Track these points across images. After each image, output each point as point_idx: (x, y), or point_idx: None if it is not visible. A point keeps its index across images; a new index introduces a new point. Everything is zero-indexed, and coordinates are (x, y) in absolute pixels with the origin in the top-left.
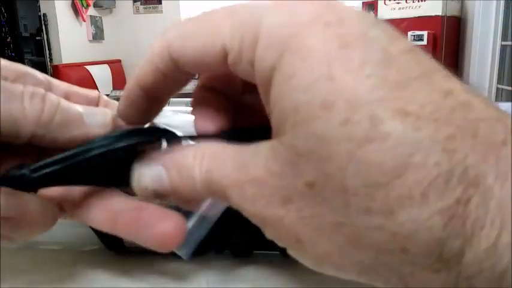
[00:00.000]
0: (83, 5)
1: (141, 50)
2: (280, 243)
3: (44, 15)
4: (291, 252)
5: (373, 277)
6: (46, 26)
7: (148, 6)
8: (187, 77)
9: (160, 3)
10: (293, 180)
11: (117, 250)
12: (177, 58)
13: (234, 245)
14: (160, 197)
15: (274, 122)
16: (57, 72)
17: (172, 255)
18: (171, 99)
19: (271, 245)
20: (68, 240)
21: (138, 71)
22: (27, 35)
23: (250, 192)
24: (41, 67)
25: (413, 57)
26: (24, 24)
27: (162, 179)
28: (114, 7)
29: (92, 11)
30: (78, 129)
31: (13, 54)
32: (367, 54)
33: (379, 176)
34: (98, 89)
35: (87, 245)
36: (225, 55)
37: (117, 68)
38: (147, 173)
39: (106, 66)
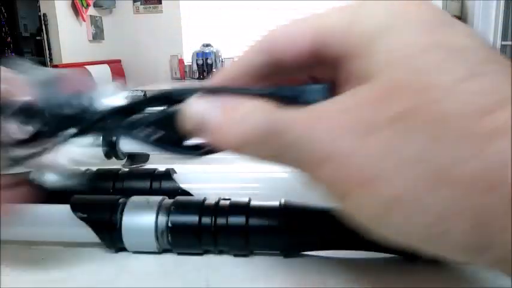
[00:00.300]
0: (83, 5)
1: (141, 50)
2: (338, 188)
3: (44, 15)
4: (350, 199)
5: (444, 227)
6: (46, 26)
7: (148, 6)
8: (275, 80)
9: (160, 3)
10: (377, 114)
11: (117, 249)
12: (273, 51)
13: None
14: (201, 130)
15: (358, 72)
16: None
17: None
18: None
19: (271, 246)
20: (68, 240)
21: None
22: (27, 35)
23: (321, 126)
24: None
25: None
26: (24, 24)
27: (212, 110)
28: (114, 7)
29: (92, 11)
30: None
31: (13, 54)
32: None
33: (479, 107)
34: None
35: (87, 245)
36: (316, 27)
37: (117, 68)
38: (200, 102)
39: (106, 66)
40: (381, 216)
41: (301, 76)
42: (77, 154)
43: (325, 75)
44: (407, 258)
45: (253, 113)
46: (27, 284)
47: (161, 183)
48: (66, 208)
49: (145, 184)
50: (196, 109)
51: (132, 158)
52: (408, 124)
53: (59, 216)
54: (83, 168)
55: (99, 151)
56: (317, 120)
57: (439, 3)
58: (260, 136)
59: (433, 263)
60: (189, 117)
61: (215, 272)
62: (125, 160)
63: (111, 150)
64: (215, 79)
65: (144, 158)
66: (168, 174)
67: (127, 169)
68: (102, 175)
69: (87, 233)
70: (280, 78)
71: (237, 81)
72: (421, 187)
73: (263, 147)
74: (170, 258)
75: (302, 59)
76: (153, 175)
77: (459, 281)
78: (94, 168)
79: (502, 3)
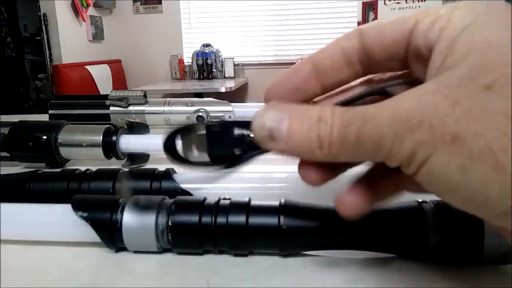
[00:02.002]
0: (83, 5)
1: (141, 50)
2: (428, 146)
3: (44, 15)
4: (439, 155)
5: None
6: (46, 26)
7: (148, 6)
8: (358, 71)
9: (160, 3)
10: (466, 88)
11: (117, 249)
12: (365, 36)
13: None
14: (272, 139)
15: (447, 64)
16: (57, 72)
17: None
18: (171, 99)
19: (271, 246)
20: (69, 240)
21: (317, 52)
22: (27, 35)
23: (416, 100)
24: (41, 67)
25: None
26: (24, 24)
27: (282, 121)
28: (114, 7)
29: (92, 11)
30: None
31: (13, 54)
32: None
33: None
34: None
35: (87, 244)
36: (411, 27)
37: (117, 68)
38: (270, 112)
39: (106, 66)
40: (466, 170)
41: (382, 67)
42: None
43: (402, 69)
44: (405, 257)
45: (327, 115)
46: (27, 284)
47: (161, 183)
48: (67, 207)
49: (145, 184)
50: (267, 119)
51: (132, 158)
52: (499, 90)
53: (60, 216)
54: (83, 169)
55: (99, 151)
56: (409, 99)
57: (439, 3)
58: (338, 134)
59: (431, 263)
60: (257, 131)
61: (215, 272)
62: (125, 160)
63: (111, 150)
64: (305, 63)
65: (144, 158)
66: (168, 174)
67: (127, 169)
68: (102, 175)
69: (87, 232)
70: (365, 66)
71: (327, 62)
72: (501, 145)
73: (342, 144)
74: (170, 259)
75: (390, 49)
76: (153, 175)
77: (459, 282)
78: (94, 169)
79: (502, 3)
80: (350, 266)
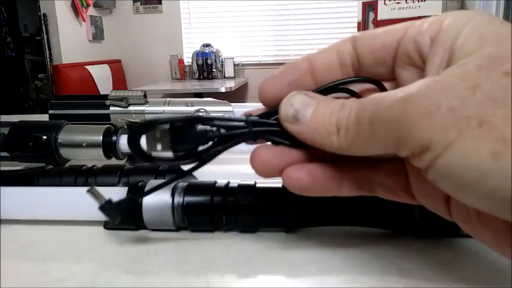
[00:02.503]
0: (83, 5)
1: (141, 50)
2: (445, 136)
3: (44, 15)
4: (458, 145)
5: None
6: (46, 25)
7: (148, 6)
8: (350, 73)
9: (160, 3)
10: (485, 74)
11: (138, 227)
12: (357, 41)
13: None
14: (295, 120)
15: (459, 56)
16: (57, 72)
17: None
18: (171, 99)
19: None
20: (68, 240)
21: (314, 52)
22: (27, 35)
23: (430, 85)
24: (41, 67)
25: None
26: (24, 24)
27: (309, 105)
28: (114, 7)
29: (92, 11)
30: None
31: (13, 54)
32: None
33: None
34: (97, 89)
35: (88, 243)
36: (401, 35)
37: (117, 68)
38: (300, 95)
39: (106, 66)
40: (500, 156)
41: (371, 72)
42: None
43: (391, 75)
44: (396, 233)
45: (349, 102)
46: (27, 284)
47: (165, 178)
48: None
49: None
50: (296, 100)
51: (132, 158)
52: None
53: (80, 197)
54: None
55: (99, 151)
56: (424, 82)
57: (439, 4)
58: (354, 117)
59: (431, 262)
60: (289, 106)
61: (215, 272)
62: (125, 160)
63: (111, 150)
64: (302, 60)
65: None
66: (171, 170)
67: (132, 166)
68: (108, 170)
69: (87, 233)
70: (356, 70)
71: (322, 61)
72: None
73: (357, 129)
74: (171, 257)
75: (378, 54)
76: (158, 171)
77: (459, 282)
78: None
79: (502, 2)
80: (350, 266)
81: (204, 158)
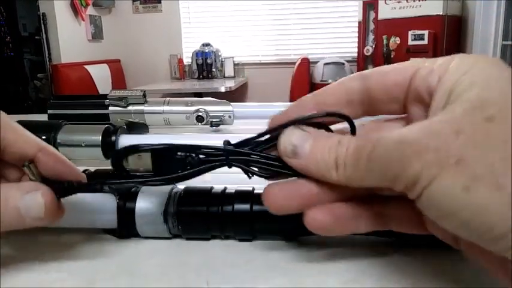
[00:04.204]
0: (82, 5)
1: (140, 49)
2: (431, 172)
3: (43, 14)
4: (439, 180)
5: None
6: (45, 25)
7: (147, 5)
8: (358, 111)
9: (160, 2)
10: (469, 119)
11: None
12: (368, 79)
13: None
14: (295, 155)
15: (451, 99)
16: (56, 71)
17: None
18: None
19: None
20: (68, 240)
21: (320, 89)
22: (26, 34)
23: (420, 128)
24: (40, 67)
25: None
26: (23, 24)
27: (306, 140)
28: (114, 6)
29: (91, 10)
30: (15, 224)
31: (12, 54)
32: None
33: None
34: (97, 88)
35: (87, 244)
36: (413, 73)
37: (116, 68)
38: (297, 131)
39: (105, 65)
40: (469, 190)
41: (382, 109)
42: None
43: (399, 111)
44: (400, 241)
45: (346, 140)
46: (27, 284)
47: None
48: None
49: None
50: (294, 135)
51: None
52: (499, 122)
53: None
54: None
55: (98, 151)
56: (417, 127)
57: (440, 3)
58: (352, 156)
59: (431, 263)
60: (288, 142)
61: (215, 272)
62: None
63: (111, 150)
64: (309, 99)
65: None
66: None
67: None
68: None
69: (87, 233)
70: (365, 107)
71: (329, 99)
72: (502, 168)
73: (355, 166)
74: (170, 259)
75: (392, 91)
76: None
77: (459, 282)
78: (92, 169)
79: (503, 2)
80: (350, 266)
81: (172, 181)
